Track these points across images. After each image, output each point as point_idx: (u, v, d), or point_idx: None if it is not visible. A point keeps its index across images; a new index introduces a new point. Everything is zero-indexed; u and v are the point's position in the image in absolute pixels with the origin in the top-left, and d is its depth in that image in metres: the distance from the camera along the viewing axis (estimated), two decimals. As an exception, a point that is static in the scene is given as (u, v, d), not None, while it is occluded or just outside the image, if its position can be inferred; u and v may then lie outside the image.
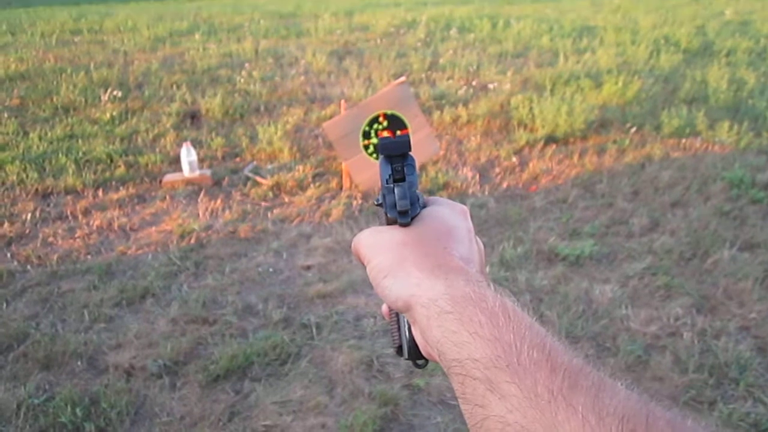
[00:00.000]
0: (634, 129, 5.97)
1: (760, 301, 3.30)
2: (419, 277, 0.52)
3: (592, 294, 3.40)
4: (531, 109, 6.21)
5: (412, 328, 0.57)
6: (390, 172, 0.59)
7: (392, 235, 0.58)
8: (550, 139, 5.77)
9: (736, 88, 7.11)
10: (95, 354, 3.01)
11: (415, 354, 0.60)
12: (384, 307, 0.65)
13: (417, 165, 0.64)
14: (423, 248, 0.55)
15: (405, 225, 0.58)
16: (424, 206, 0.62)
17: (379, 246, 0.58)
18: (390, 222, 0.60)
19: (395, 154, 0.59)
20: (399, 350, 0.64)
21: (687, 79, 7.58)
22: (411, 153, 0.60)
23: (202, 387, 2.77)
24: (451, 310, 0.48)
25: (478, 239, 0.62)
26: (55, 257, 3.91)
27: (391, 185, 0.59)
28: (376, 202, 0.63)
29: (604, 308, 3.27)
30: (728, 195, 4.57)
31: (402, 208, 0.57)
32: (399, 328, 0.63)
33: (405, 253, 0.55)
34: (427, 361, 0.60)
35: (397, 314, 0.63)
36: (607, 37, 10.08)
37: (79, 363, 2.94)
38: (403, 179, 0.59)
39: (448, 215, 0.60)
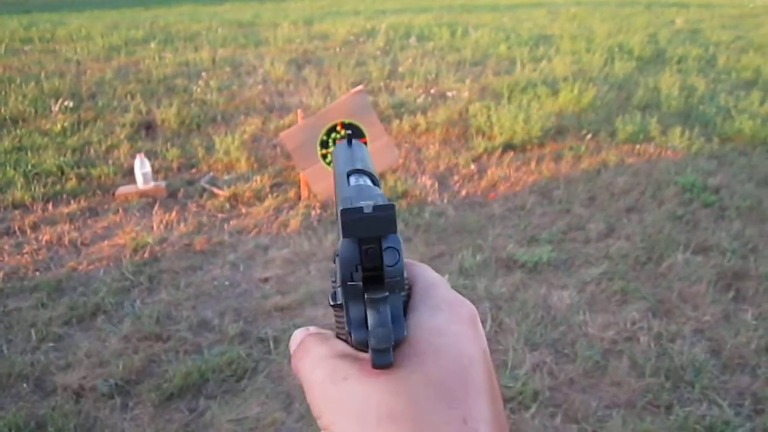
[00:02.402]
0: (589, 135, 6.06)
1: (714, 304, 3.36)
2: None
3: (551, 300, 3.42)
4: (489, 116, 6.25)
5: None
6: (359, 261, 0.35)
7: (367, 393, 0.35)
8: (507, 147, 5.81)
9: (687, 95, 7.29)
10: (42, 375, 2.89)
11: None
12: None
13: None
14: (424, 427, 0.33)
15: (384, 367, 0.35)
16: (409, 289, 0.38)
17: (345, 409, 0.35)
18: (356, 345, 0.37)
19: (368, 236, 0.35)
20: None
21: (640, 85, 7.74)
22: (396, 232, 0.36)
23: (155, 406, 2.68)
24: None
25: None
26: (1, 274, 3.76)
27: (359, 285, 0.35)
28: (331, 302, 0.39)
29: (562, 314, 3.29)
30: (681, 199, 4.66)
31: (380, 346, 0.34)
32: None
33: None
34: None
35: None
36: (563, 45, 10.24)
37: (24, 385, 2.82)
38: (380, 281, 0.35)
39: (452, 337, 0.36)
